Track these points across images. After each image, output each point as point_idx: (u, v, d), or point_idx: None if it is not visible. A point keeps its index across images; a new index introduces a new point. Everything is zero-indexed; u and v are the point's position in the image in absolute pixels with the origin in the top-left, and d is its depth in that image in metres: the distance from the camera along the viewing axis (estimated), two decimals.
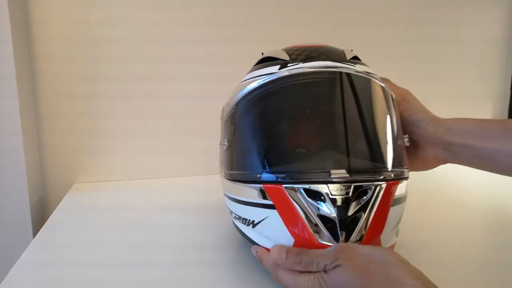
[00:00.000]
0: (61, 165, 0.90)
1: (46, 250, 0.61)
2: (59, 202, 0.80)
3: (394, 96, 0.55)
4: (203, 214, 0.72)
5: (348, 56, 0.55)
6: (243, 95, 0.54)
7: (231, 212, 0.57)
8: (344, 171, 0.45)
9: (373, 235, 0.45)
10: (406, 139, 0.55)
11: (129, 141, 0.94)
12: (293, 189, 0.46)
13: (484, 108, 1.16)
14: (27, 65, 0.85)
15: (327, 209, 0.44)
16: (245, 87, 0.55)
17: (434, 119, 0.56)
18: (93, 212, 0.75)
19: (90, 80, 0.89)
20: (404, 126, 0.57)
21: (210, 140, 0.88)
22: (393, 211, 0.48)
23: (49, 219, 0.72)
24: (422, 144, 0.57)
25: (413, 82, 1.06)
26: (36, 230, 0.77)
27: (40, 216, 0.87)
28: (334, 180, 0.45)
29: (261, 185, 0.48)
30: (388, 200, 0.47)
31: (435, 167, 0.59)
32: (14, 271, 0.53)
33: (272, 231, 0.48)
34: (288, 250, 0.45)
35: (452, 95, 1.12)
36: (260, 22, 0.96)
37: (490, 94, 1.16)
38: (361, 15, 1.02)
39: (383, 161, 0.50)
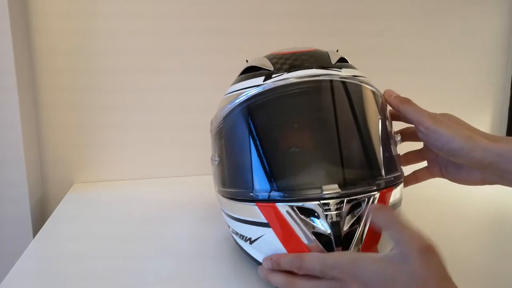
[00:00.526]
0: (61, 165, 0.91)
1: (46, 250, 0.61)
2: (59, 202, 0.80)
3: (382, 97, 0.54)
4: (202, 216, 0.72)
5: (334, 59, 0.53)
6: (229, 110, 0.53)
7: (229, 226, 0.57)
8: (336, 186, 0.45)
9: (369, 247, 0.45)
10: (398, 138, 0.54)
11: (128, 142, 0.93)
12: (287, 207, 0.45)
13: (484, 109, 1.14)
14: (28, 75, 0.85)
15: (322, 226, 0.44)
16: (231, 100, 0.54)
17: (476, 144, 0.47)
18: (92, 213, 0.75)
19: (90, 88, 0.89)
20: (441, 155, 0.52)
21: (209, 141, 0.87)
22: None
23: (49, 219, 0.72)
24: (467, 168, 0.52)
25: (413, 87, 1.05)
26: (36, 230, 0.77)
27: (40, 216, 0.87)
28: (326, 196, 0.44)
29: (255, 204, 0.48)
30: None
31: (481, 185, 0.54)
32: (13, 271, 0.54)
33: (269, 248, 0.48)
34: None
35: (453, 96, 1.10)
36: (258, 32, 0.95)
37: (490, 95, 1.14)
38: (358, 25, 1.00)
39: (375, 169, 0.49)
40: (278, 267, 0.46)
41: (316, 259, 0.43)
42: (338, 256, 0.42)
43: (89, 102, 0.90)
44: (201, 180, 0.92)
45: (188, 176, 0.96)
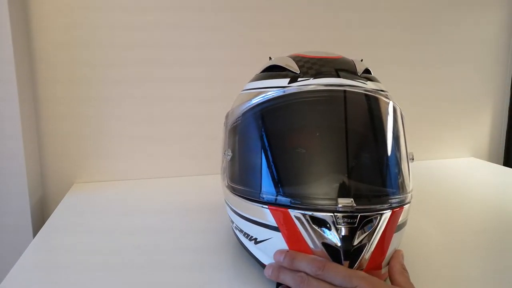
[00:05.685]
0: (61, 165, 0.90)
1: (46, 250, 0.61)
2: (59, 202, 0.80)
3: (403, 113, 0.54)
4: (202, 215, 0.73)
5: (360, 70, 0.53)
6: (249, 107, 0.53)
7: (232, 221, 0.57)
8: (351, 200, 0.45)
9: (375, 263, 0.46)
10: (411, 157, 0.55)
11: (128, 142, 0.93)
12: (299, 214, 0.46)
13: (484, 109, 1.17)
14: (27, 70, 0.84)
15: (332, 238, 0.44)
16: (252, 98, 0.53)
17: None
18: (92, 212, 0.75)
19: (90, 83, 0.89)
20: None
21: (209, 141, 0.88)
22: (395, 237, 0.48)
23: (49, 219, 0.71)
24: None
25: (413, 85, 1.08)
26: (36, 230, 0.77)
27: (40, 216, 0.87)
28: (340, 209, 0.44)
29: (267, 207, 0.48)
30: (393, 228, 0.47)
31: None
32: (14, 271, 0.54)
33: (274, 251, 0.48)
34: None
35: (453, 96, 1.13)
36: (261, 27, 0.95)
37: (490, 94, 1.17)
38: (361, 19, 1.01)
39: (390, 187, 0.49)
40: (290, 265, 0.45)
41: (340, 273, 0.42)
42: (365, 276, 0.42)
43: (90, 101, 0.89)
44: (200, 179, 0.94)
45: (188, 176, 0.96)
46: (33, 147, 0.86)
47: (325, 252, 0.45)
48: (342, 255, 0.44)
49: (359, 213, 0.45)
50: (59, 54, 0.86)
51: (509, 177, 1.01)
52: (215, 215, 0.71)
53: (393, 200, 0.48)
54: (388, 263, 0.48)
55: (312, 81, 0.50)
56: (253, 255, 0.52)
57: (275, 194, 0.48)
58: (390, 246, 0.47)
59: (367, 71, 0.55)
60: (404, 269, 0.47)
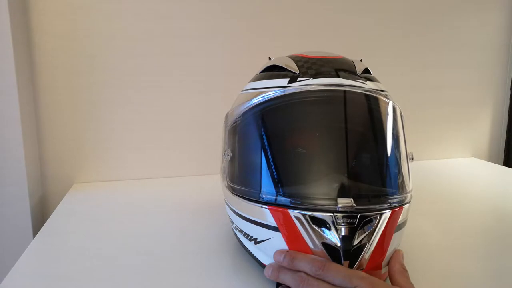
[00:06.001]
0: (61, 165, 0.90)
1: (46, 251, 0.61)
2: (59, 202, 0.80)
3: (403, 113, 0.54)
4: (202, 215, 0.73)
5: (359, 69, 0.53)
6: (249, 107, 0.53)
7: (232, 222, 0.57)
8: (350, 200, 0.45)
9: (375, 263, 0.46)
10: (411, 157, 0.55)
11: (128, 141, 0.93)
12: (299, 214, 0.46)
13: (484, 109, 1.17)
14: (28, 74, 0.84)
15: (332, 238, 0.44)
16: (251, 98, 0.53)
17: None
18: (92, 213, 0.75)
19: (90, 88, 0.89)
20: None
21: (209, 141, 0.88)
22: (395, 237, 0.48)
23: (48, 219, 0.71)
24: None
25: (414, 85, 1.08)
26: (36, 230, 0.77)
27: (40, 216, 0.87)
28: (340, 209, 0.44)
29: (266, 207, 0.48)
30: (392, 227, 0.47)
31: None
32: (13, 271, 0.54)
33: (274, 252, 0.48)
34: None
35: (453, 96, 1.13)
36: (260, 31, 0.95)
37: (490, 95, 1.17)
38: (361, 23, 1.02)
39: (390, 187, 0.49)
40: (290, 265, 0.45)
41: (341, 273, 0.42)
42: (365, 276, 0.42)
43: (90, 102, 0.89)
44: (200, 180, 0.95)
45: (188, 176, 0.97)
46: (33, 149, 0.86)
47: (325, 252, 0.45)
48: (342, 255, 0.44)
49: (359, 213, 0.45)
50: (60, 60, 0.86)
51: (509, 177, 1.01)
52: (215, 215, 0.71)
53: (393, 200, 0.48)
54: (388, 263, 0.48)
55: (311, 81, 0.50)
56: (253, 255, 0.52)
57: (275, 194, 0.48)
58: (390, 246, 0.47)
59: (366, 71, 0.55)
60: (404, 269, 0.47)
